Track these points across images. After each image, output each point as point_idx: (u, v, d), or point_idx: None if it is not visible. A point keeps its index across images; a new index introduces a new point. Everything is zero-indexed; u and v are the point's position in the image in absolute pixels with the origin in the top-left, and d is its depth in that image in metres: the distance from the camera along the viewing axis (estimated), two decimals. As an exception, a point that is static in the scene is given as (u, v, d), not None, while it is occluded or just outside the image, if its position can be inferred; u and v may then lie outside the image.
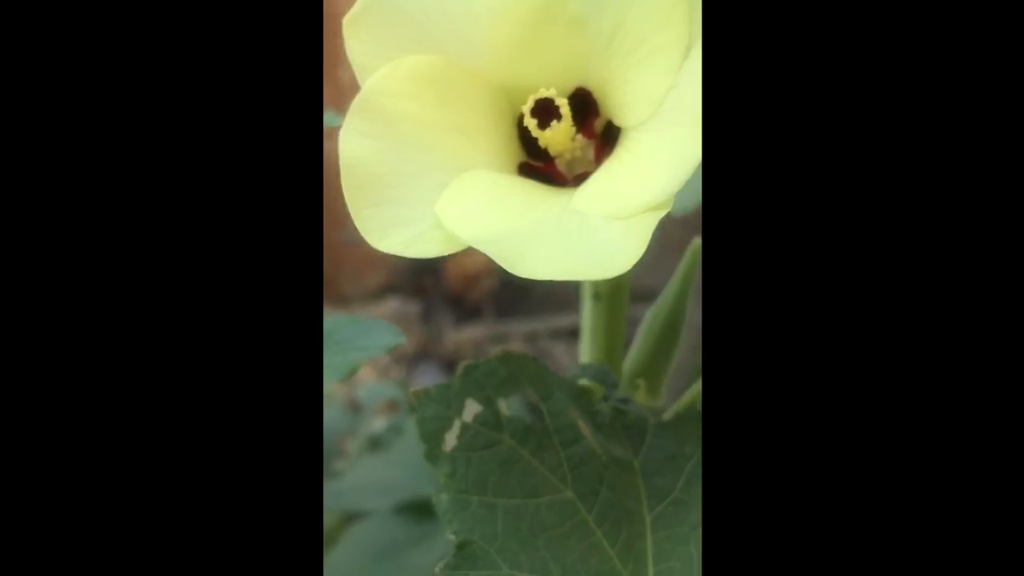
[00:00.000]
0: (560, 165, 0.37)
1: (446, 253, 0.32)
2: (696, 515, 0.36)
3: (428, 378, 1.45)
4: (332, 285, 1.44)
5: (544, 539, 0.35)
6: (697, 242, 0.46)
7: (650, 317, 0.45)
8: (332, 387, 1.09)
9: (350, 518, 0.77)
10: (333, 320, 0.48)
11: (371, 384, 1.02)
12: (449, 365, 1.42)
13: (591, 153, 0.37)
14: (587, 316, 0.45)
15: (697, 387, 0.42)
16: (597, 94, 0.36)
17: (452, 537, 0.34)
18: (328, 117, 0.54)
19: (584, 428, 0.37)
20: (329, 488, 0.77)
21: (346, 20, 0.35)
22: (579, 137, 0.36)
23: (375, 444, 0.87)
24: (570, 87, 0.36)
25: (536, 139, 0.36)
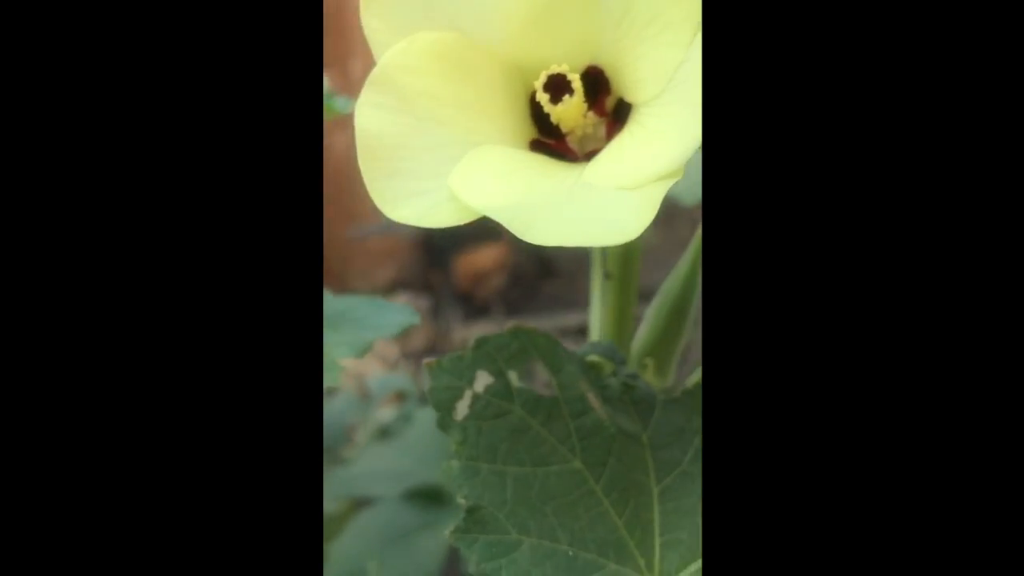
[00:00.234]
0: (571, 142, 0.38)
1: (459, 223, 0.33)
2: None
3: (436, 374, 1.45)
4: (341, 281, 1.45)
5: (552, 507, 0.35)
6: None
7: (660, 297, 0.46)
8: (341, 377, 1.09)
9: (359, 504, 0.77)
10: (349, 300, 0.49)
11: (380, 375, 1.02)
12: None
13: (602, 131, 0.38)
14: (596, 296, 0.46)
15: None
16: (609, 72, 0.37)
17: (462, 501, 0.34)
18: (341, 102, 0.55)
19: (593, 400, 0.37)
20: (338, 475, 0.78)
21: (363, -3, 0.35)
22: (590, 115, 0.37)
23: (384, 433, 0.87)
24: (582, 65, 0.37)
25: (548, 115, 0.36)
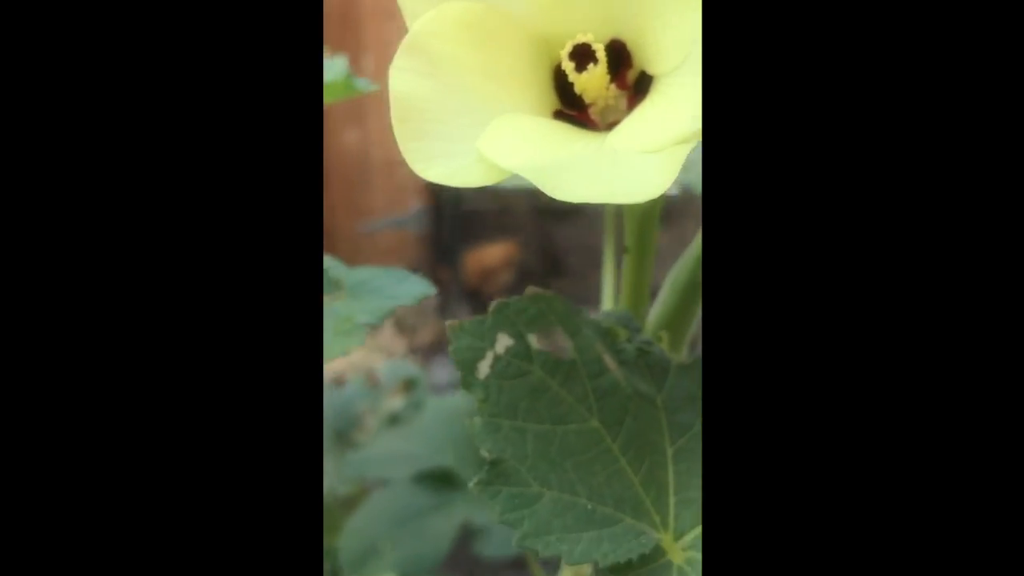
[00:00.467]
0: (593, 114, 0.39)
1: (488, 183, 0.34)
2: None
3: (444, 370, 1.47)
4: (351, 276, 1.45)
5: (571, 463, 0.36)
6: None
7: (675, 272, 0.47)
8: (348, 366, 1.10)
9: (371, 486, 0.79)
10: (367, 270, 0.50)
11: (389, 363, 1.04)
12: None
13: (623, 103, 0.39)
14: (608, 272, 0.47)
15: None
16: (631, 46, 0.38)
17: (486, 455, 0.35)
18: (362, 82, 0.56)
19: (610, 362, 0.39)
20: (350, 458, 0.79)
21: (396, -33, 0.37)
22: (612, 87, 0.38)
23: (394, 420, 0.89)
24: (606, 38, 0.38)
25: (572, 86, 0.38)
